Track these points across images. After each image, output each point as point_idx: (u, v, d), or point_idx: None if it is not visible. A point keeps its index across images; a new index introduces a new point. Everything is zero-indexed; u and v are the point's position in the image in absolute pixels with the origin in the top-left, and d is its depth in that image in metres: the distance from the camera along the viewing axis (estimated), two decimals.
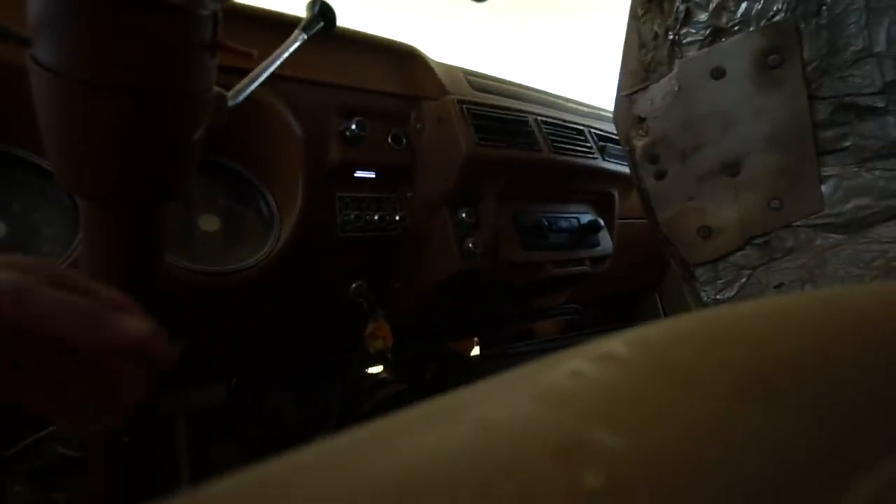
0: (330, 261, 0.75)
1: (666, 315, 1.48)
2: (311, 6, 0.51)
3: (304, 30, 0.49)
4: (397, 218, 0.77)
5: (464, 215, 0.77)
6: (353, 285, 0.76)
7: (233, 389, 0.76)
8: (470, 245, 0.76)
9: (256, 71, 0.43)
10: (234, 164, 0.67)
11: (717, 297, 0.72)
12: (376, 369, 1.00)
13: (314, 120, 0.69)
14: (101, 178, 0.32)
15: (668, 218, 0.73)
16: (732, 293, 0.70)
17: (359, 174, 0.74)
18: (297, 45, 0.48)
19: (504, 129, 0.80)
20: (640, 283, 1.43)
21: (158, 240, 0.39)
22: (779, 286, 0.64)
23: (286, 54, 0.46)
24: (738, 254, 0.69)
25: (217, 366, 0.75)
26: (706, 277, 0.73)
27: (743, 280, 0.68)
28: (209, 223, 0.63)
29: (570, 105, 1.04)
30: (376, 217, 0.75)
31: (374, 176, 0.76)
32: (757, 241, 0.67)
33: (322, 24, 0.51)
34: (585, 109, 1.08)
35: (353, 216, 0.73)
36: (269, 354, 0.81)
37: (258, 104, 0.64)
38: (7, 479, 0.61)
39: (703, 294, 0.73)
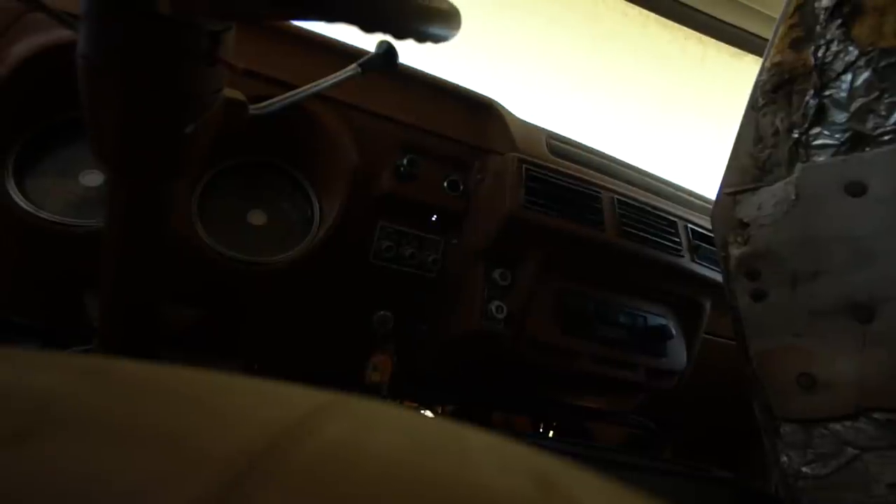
0: (356, 282, 0.77)
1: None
2: (379, 45, 0.55)
3: (362, 64, 0.53)
4: (430, 259, 0.78)
5: (497, 275, 0.75)
6: (380, 314, 0.76)
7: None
8: (493, 308, 0.73)
9: (298, 90, 0.45)
10: (292, 170, 0.73)
11: (804, 469, 0.56)
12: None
13: (372, 148, 0.73)
14: (116, 152, 0.39)
15: (762, 350, 0.60)
16: (826, 471, 0.54)
17: (409, 209, 0.77)
18: (347, 75, 0.52)
19: (565, 199, 0.77)
20: (736, 420, 1.16)
21: (164, 210, 0.44)
22: (893, 485, 0.46)
23: (332, 81, 0.50)
24: (847, 423, 0.53)
25: (231, 347, 0.78)
26: (794, 439, 0.57)
27: (843, 460, 0.51)
28: (257, 218, 0.70)
29: (668, 190, 0.93)
30: (409, 253, 0.77)
31: (424, 215, 0.78)
32: (878, 416, 0.50)
33: (382, 63, 0.54)
34: (687, 198, 0.95)
35: (386, 246, 0.76)
36: (277, 351, 0.82)
37: (320, 124, 0.70)
38: None
39: (783, 458, 0.57)
